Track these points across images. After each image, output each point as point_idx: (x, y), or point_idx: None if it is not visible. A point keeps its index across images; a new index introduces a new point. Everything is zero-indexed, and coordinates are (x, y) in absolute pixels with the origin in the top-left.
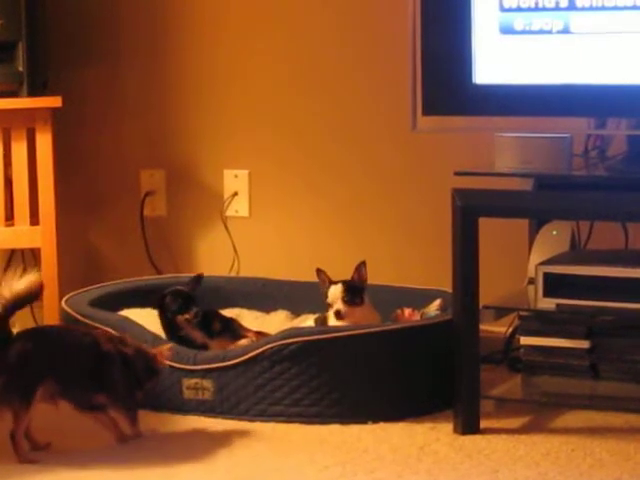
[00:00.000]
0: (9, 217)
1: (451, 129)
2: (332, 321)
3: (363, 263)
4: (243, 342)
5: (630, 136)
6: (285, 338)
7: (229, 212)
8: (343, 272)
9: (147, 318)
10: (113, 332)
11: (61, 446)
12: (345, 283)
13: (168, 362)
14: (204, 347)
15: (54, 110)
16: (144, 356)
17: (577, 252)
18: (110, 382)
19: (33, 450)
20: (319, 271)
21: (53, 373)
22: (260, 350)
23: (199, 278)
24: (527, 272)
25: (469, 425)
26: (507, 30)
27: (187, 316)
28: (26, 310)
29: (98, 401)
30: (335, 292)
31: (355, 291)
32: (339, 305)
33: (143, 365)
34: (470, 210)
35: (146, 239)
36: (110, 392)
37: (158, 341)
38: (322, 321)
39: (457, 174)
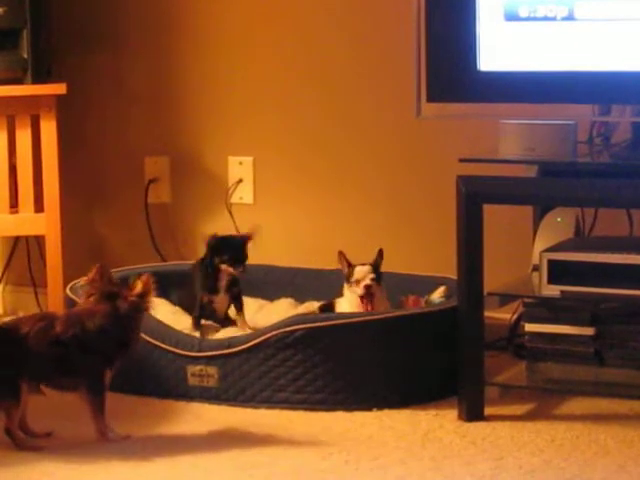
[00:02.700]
0: (13, 204)
1: (455, 116)
2: (340, 307)
3: (380, 251)
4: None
5: (635, 123)
6: (290, 325)
7: (233, 199)
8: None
9: None
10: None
11: (64, 434)
12: (372, 265)
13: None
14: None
15: (58, 97)
16: (113, 325)
17: (581, 239)
18: (72, 364)
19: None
20: (340, 254)
21: (27, 366)
22: (265, 337)
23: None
24: (531, 259)
25: (473, 412)
26: (512, 17)
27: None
28: (31, 298)
29: (66, 384)
30: (365, 270)
31: (378, 274)
32: (368, 281)
33: (110, 334)
34: (474, 197)
35: (150, 226)
36: (75, 374)
37: (161, 328)
38: (328, 308)
39: (461, 161)
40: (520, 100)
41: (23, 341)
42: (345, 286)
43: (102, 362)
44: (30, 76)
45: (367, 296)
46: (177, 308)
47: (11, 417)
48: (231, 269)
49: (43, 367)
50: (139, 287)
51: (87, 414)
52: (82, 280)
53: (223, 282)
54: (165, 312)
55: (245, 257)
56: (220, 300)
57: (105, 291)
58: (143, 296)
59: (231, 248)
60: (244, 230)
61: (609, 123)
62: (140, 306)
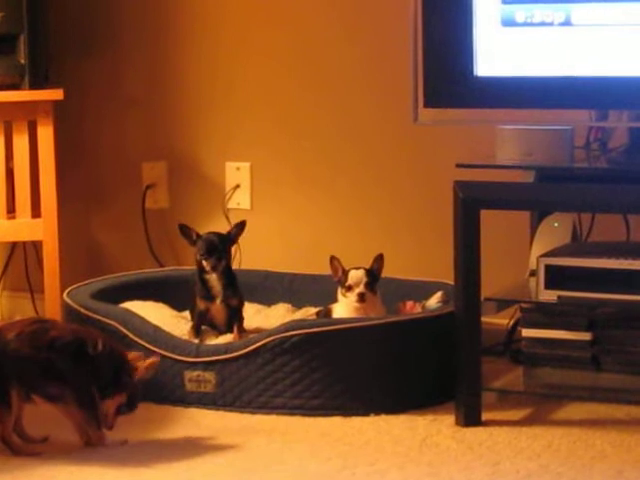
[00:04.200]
0: (11, 210)
1: (453, 121)
2: (336, 313)
3: (381, 255)
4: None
5: (631, 128)
6: (287, 330)
7: (231, 205)
8: (345, 264)
9: (149, 310)
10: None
11: (60, 438)
12: (366, 270)
13: (146, 374)
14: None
15: (55, 102)
16: (115, 359)
17: (578, 244)
18: (60, 372)
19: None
20: (333, 259)
21: (17, 373)
22: (262, 342)
23: (242, 225)
24: (528, 264)
25: (471, 417)
26: (508, 22)
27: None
28: (28, 303)
29: (52, 392)
30: (359, 276)
31: (374, 279)
32: (362, 289)
33: (110, 367)
34: (472, 202)
35: (148, 231)
36: (62, 383)
37: (159, 334)
38: (325, 314)
39: (459, 166)
40: (517, 105)
41: (11, 344)
42: (339, 291)
43: (93, 382)
44: (27, 81)
45: (362, 303)
46: (175, 312)
47: (4, 424)
48: (205, 262)
49: (30, 371)
50: (147, 364)
51: (73, 424)
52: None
53: (217, 289)
54: (164, 316)
55: (219, 251)
56: (217, 310)
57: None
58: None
59: (207, 242)
60: (242, 235)
61: (606, 128)
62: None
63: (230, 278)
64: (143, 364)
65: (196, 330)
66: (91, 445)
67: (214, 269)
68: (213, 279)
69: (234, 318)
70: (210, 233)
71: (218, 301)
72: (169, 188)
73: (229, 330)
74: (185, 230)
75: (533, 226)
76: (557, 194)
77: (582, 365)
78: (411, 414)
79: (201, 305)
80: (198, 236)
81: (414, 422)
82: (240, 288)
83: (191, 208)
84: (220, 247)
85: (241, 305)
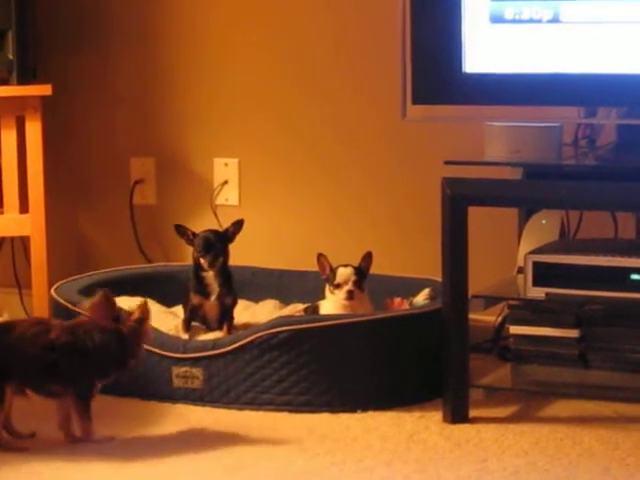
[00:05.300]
0: None
1: (441, 118)
2: (324, 310)
3: (369, 253)
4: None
5: (620, 125)
6: (274, 327)
7: (219, 201)
8: (333, 261)
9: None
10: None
11: (48, 434)
12: (355, 268)
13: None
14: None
15: (44, 98)
16: (115, 342)
17: (566, 241)
18: (63, 371)
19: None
20: (320, 256)
21: (14, 369)
22: (250, 339)
23: (239, 223)
24: (516, 261)
25: (458, 414)
26: (497, 19)
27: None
28: (16, 299)
29: (54, 390)
30: (347, 273)
31: (362, 277)
32: (350, 286)
33: (112, 351)
34: (460, 199)
35: (136, 227)
36: (64, 381)
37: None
38: (312, 310)
39: (447, 163)
40: (506, 102)
41: (13, 343)
42: (327, 288)
43: (96, 375)
44: (16, 77)
45: (350, 300)
46: (164, 308)
47: None
48: (202, 260)
49: (33, 371)
50: (137, 313)
51: (73, 416)
52: (85, 304)
53: (213, 286)
54: (151, 312)
55: (217, 249)
56: (210, 307)
57: (110, 314)
58: (141, 322)
59: (204, 240)
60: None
61: (594, 125)
62: (138, 331)
63: (226, 276)
64: (134, 317)
65: (187, 325)
66: (77, 441)
67: (211, 266)
68: (210, 277)
69: (226, 317)
70: (207, 231)
71: (213, 298)
72: (157, 184)
73: (219, 328)
74: (181, 230)
75: (521, 223)
76: (545, 191)
77: (570, 362)
78: (399, 411)
79: (195, 300)
80: (194, 234)
81: (401, 419)
82: (234, 287)
83: (179, 204)
84: (217, 245)
85: (234, 304)
